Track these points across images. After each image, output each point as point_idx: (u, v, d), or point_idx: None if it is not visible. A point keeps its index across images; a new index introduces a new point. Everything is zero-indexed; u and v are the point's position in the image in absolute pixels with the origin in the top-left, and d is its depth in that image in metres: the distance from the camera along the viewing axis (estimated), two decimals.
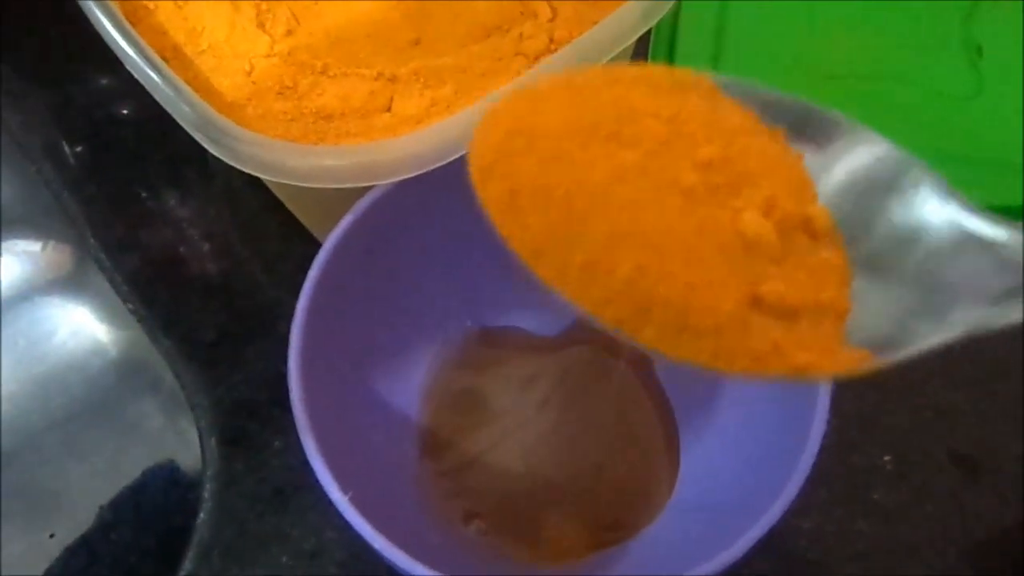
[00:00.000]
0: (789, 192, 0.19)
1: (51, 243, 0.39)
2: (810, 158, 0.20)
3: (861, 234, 0.19)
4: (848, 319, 0.19)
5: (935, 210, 0.19)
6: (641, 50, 0.40)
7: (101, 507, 0.34)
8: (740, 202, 0.19)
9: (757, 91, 0.21)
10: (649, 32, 0.37)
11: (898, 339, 0.18)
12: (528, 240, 0.19)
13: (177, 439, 0.35)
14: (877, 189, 0.20)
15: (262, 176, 0.28)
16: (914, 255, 0.19)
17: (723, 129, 0.20)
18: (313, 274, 0.27)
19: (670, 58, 0.40)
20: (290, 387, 0.25)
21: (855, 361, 0.18)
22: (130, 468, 0.34)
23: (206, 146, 0.27)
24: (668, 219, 0.18)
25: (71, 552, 0.33)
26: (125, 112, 0.42)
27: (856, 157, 0.20)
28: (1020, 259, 0.18)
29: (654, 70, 0.21)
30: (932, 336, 0.18)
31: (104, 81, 0.42)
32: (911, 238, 0.19)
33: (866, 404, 0.34)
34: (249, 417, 0.34)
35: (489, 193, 0.19)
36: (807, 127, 0.20)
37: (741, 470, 0.28)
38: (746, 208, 0.19)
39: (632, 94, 0.20)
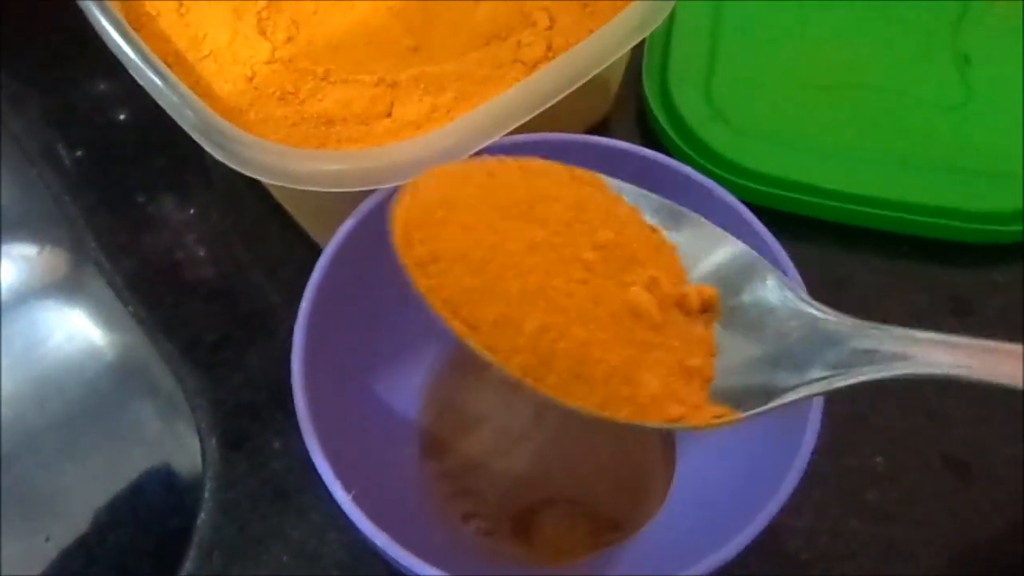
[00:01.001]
0: (667, 275, 0.23)
1: (48, 247, 0.40)
2: (682, 248, 0.24)
3: (724, 309, 0.23)
4: (713, 383, 0.22)
5: (777, 296, 0.23)
6: (636, 59, 0.41)
7: (97, 510, 0.34)
8: (629, 278, 0.22)
9: (637, 191, 0.25)
10: (644, 41, 0.38)
11: (762, 394, 0.22)
12: (446, 297, 0.21)
13: (174, 442, 0.35)
14: (735, 275, 0.24)
15: (264, 180, 0.28)
16: (768, 328, 0.23)
17: (615, 218, 0.24)
18: (315, 277, 0.27)
19: (664, 67, 0.40)
20: (293, 389, 0.26)
21: (717, 416, 0.21)
22: (127, 471, 0.34)
23: (209, 150, 0.28)
24: (570, 287, 0.21)
25: (67, 555, 0.33)
26: (124, 117, 0.42)
27: (720, 251, 0.24)
28: (840, 336, 0.21)
29: (557, 167, 0.25)
30: (791, 393, 0.21)
31: (103, 86, 0.42)
32: (764, 315, 0.23)
33: (859, 406, 0.34)
34: (250, 419, 0.34)
35: (411, 255, 0.22)
36: (678, 222, 0.25)
37: (736, 470, 0.29)
38: (634, 284, 0.22)
39: (541, 182, 0.24)
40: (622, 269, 0.22)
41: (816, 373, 0.21)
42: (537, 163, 0.25)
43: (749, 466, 0.28)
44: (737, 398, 0.22)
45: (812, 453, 0.25)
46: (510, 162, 0.25)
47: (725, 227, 0.29)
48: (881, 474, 0.33)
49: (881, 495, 0.32)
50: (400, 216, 0.23)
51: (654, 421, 0.21)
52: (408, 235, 0.22)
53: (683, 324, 0.23)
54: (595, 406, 0.21)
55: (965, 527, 0.32)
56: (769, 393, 0.22)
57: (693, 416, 0.21)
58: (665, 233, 0.25)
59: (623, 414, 0.21)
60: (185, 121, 0.28)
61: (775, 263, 0.27)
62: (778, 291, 0.23)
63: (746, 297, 0.23)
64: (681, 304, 0.23)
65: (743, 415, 0.21)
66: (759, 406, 0.21)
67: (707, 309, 0.23)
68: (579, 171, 0.25)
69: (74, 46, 0.43)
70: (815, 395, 0.21)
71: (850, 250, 0.37)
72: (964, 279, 0.37)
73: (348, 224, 0.28)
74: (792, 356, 0.22)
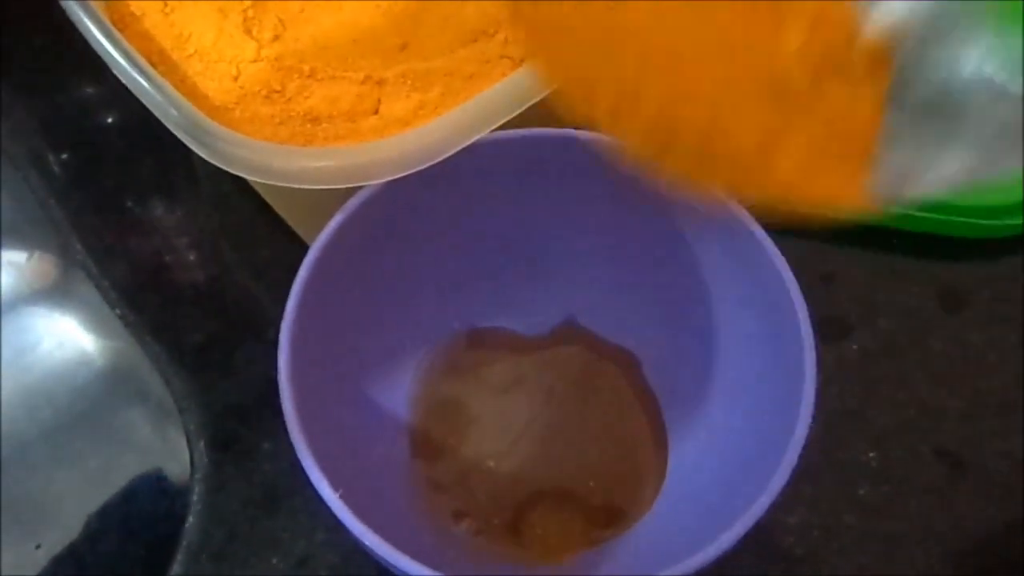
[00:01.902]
0: (829, 23, 0.19)
1: (36, 253, 0.39)
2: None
3: (898, 70, 0.19)
4: (872, 156, 0.19)
5: (974, 66, 0.18)
6: None
7: (88, 516, 0.33)
8: (778, 31, 0.18)
9: None
10: None
11: (917, 176, 0.18)
12: (562, 71, 0.19)
13: (165, 448, 0.34)
14: (921, 29, 0.19)
15: (250, 178, 0.28)
16: (952, 102, 0.18)
17: None
18: (302, 276, 0.27)
19: None
20: (280, 389, 0.25)
21: (870, 197, 0.18)
22: (118, 477, 0.34)
23: (194, 149, 0.28)
24: (701, 48, 0.18)
25: (58, 561, 0.33)
26: (110, 120, 0.42)
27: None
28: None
29: None
30: (948, 171, 0.18)
31: (90, 89, 0.42)
32: (951, 85, 0.18)
33: (851, 400, 0.34)
34: (239, 421, 0.34)
35: (526, 28, 0.20)
36: None
37: (728, 467, 0.29)
38: (785, 40, 0.18)
39: None
40: (771, 20, 0.18)
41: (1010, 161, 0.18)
42: None
43: (741, 461, 0.28)
44: (893, 182, 0.19)
45: (803, 448, 0.25)
46: None
47: (716, 224, 0.29)
48: (873, 469, 0.33)
49: (873, 490, 0.32)
50: None
51: (796, 199, 0.18)
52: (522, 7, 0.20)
53: (843, 87, 0.19)
54: (727, 183, 0.19)
55: (958, 521, 0.32)
56: (931, 180, 0.18)
57: (841, 196, 0.18)
58: None
59: (760, 193, 0.19)
60: (170, 120, 0.28)
61: (766, 258, 0.27)
62: (979, 59, 0.18)
63: (932, 57, 0.19)
64: (843, 61, 0.19)
65: (902, 195, 0.19)
66: (927, 180, 0.18)
67: (878, 68, 0.19)
68: None
69: (59, 49, 0.43)
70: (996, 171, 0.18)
71: (841, 245, 0.38)
72: (955, 273, 0.37)
73: (335, 221, 0.28)
74: (975, 140, 0.18)
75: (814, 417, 0.25)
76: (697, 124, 0.18)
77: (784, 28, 0.18)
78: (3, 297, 0.38)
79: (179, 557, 0.31)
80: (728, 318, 0.30)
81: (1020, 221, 0.36)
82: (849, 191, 0.18)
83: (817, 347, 0.26)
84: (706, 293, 0.31)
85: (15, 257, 0.39)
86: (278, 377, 0.26)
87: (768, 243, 0.27)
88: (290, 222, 0.36)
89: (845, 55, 0.18)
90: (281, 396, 0.25)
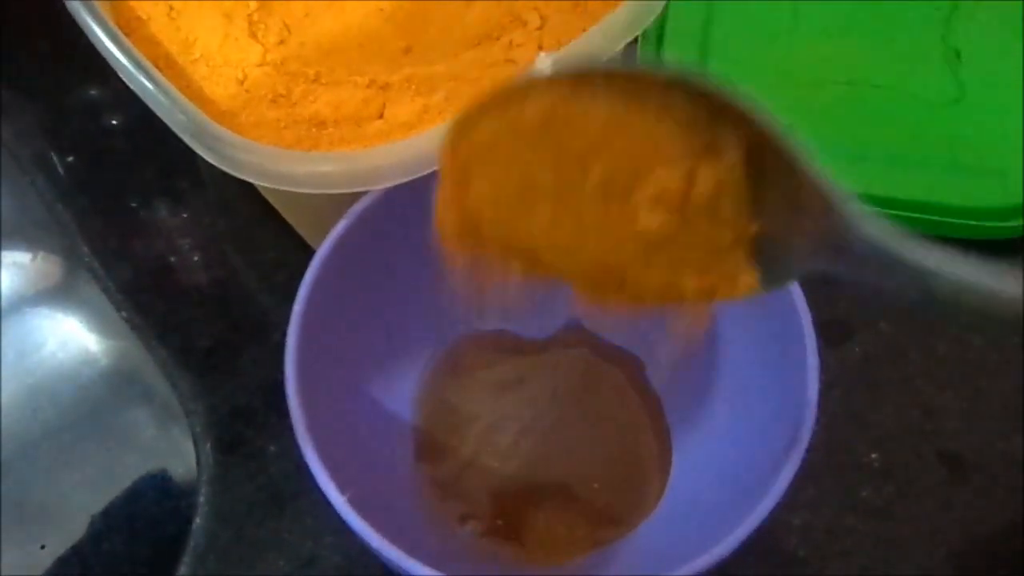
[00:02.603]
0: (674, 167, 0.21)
1: (41, 254, 0.40)
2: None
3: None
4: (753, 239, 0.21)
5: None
6: (630, 58, 0.41)
7: (93, 517, 0.34)
8: (636, 197, 0.21)
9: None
10: (637, 41, 0.38)
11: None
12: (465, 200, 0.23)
13: (169, 448, 0.35)
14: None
15: (256, 182, 0.28)
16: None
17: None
18: (308, 279, 0.27)
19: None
20: (287, 392, 0.26)
21: (749, 286, 0.21)
22: (122, 478, 0.34)
23: (201, 153, 0.28)
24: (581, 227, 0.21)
25: (63, 562, 0.33)
26: (115, 123, 0.42)
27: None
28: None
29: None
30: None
31: (95, 92, 0.42)
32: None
33: (853, 403, 0.34)
34: (245, 423, 0.34)
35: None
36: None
37: (731, 469, 0.29)
38: (640, 203, 0.21)
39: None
40: (627, 191, 0.21)
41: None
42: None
43: (745, 463, 0.28)
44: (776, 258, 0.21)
45: (807, 450, 0.25)
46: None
47: None
48: (876, 470, 0.33)
49: (876, 492, 0.33)
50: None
51: (691, 302, 0.21)
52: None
53: (713, 215, 0.21)
54: (622, 302, 0.22)
55: (960, 522, 0.32)
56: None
57: (725, 289, 0.21)
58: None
59: (664, 306, 0.22)
60: (176, 124, 0.28)
61: None
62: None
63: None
64: (703, 205, 0.21)
65: (768, 287, 0.21)
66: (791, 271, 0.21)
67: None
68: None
69: (65, 52, 0.43)
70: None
71: None
72: None
73: (341, 225, 0.28)
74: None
75: (816, 419, 0.25)
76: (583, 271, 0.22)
77: (636, 213, 0.21)
78: (8, 298, 0.38)
79: (185, 558, 0.32)
80: (731, 321, 0.30)
81: (1020, 223, 0.37)
82: (732, 282, 0.21)
83: (820, 350, 0.26)
84: None
85: (20, 258, 0.39)
86: (285, 380, 0.26)
87: None
88: (295, 226, 0.36)
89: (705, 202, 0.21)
90: (288, 399, 0.25)
